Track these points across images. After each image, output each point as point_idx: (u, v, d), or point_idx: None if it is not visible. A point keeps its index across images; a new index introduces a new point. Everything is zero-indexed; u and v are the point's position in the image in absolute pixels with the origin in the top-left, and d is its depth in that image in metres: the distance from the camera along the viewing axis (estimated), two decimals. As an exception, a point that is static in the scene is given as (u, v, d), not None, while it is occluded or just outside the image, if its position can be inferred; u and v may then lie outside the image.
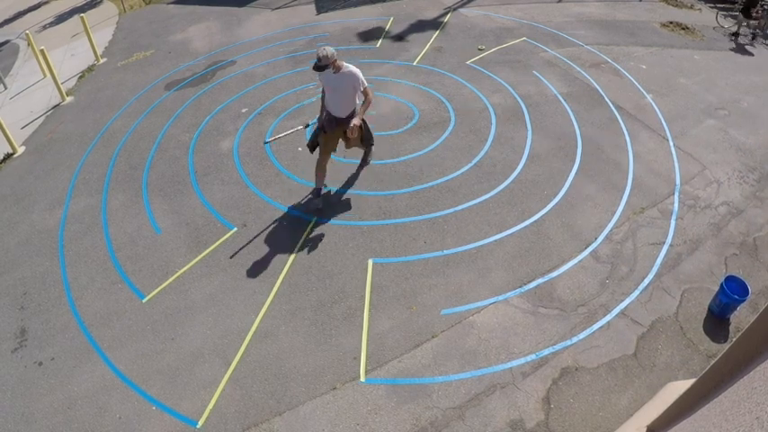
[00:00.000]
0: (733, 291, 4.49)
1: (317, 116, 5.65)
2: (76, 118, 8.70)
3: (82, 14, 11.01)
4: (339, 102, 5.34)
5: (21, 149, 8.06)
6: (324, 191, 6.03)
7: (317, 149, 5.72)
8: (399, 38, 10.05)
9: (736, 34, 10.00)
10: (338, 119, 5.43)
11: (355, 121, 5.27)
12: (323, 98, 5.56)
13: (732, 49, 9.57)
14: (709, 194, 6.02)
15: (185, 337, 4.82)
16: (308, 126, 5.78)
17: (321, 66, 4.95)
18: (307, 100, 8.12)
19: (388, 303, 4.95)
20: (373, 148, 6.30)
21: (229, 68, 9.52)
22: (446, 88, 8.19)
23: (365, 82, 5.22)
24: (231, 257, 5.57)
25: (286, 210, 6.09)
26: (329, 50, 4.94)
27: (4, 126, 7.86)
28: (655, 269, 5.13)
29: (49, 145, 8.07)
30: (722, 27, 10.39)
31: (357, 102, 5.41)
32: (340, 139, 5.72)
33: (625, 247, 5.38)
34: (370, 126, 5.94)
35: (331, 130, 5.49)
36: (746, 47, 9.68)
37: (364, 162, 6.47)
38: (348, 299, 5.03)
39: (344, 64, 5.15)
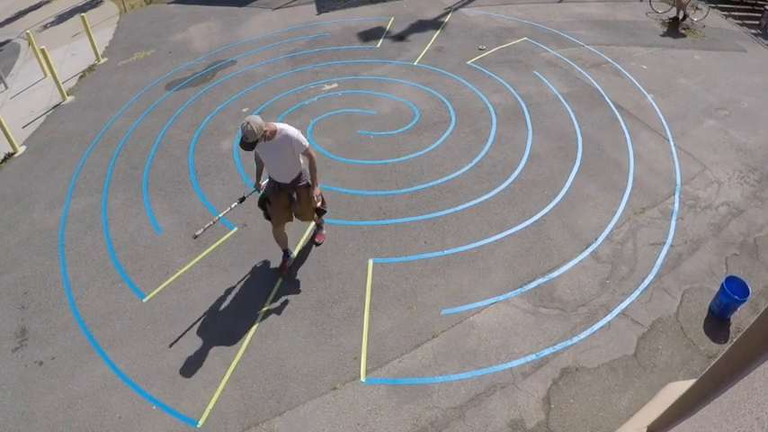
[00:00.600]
0: (733, 291, 4.49)
1: (251, 188, 4.96)
2: (77, 117, 8.70)
3: (82, 14, 11.01)
4: (280, 168, 4.57)
5: (21, 149, 8.07)
6: (291, 254, 5.39)
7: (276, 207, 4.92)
8: (400, 38, 10.05)
9: (675, 19, 10.25)
10: (281, 185, 4.71)
11: (316, 192, 4.69)
12: (257, 163, 4.84)
13: (662, 35, 9.82)
14: (709, 195, 6.02)
15: (186, 337, 4.82)
16: (243, 200, 4.98)
17: (250, 144, 4.13)
18: (307, 100, 8.14)
19: (389, 303, 4.95)
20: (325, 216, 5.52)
21: (230, 68, 9.52)
22: (447, 88, 8.19)
23: (305, 142, 4.44)
24: (231, 257, 5.58)
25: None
26: (256, 124, 4.06)
27: (5, 125, 7.87)
28: (655, 269, 5.13)
29: (49, 144, 8.07)
30: (656, 12, 10.60)
31: (302, 162, 4.64)
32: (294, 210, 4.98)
33: (625, 247, 5.38)
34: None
35: (276, 199, 4.76)
36: (681, 30, 9.95)
37: (319, 228, 5.64)
38: (348, 299, 5.03)
39: (278, 126, 4.31)
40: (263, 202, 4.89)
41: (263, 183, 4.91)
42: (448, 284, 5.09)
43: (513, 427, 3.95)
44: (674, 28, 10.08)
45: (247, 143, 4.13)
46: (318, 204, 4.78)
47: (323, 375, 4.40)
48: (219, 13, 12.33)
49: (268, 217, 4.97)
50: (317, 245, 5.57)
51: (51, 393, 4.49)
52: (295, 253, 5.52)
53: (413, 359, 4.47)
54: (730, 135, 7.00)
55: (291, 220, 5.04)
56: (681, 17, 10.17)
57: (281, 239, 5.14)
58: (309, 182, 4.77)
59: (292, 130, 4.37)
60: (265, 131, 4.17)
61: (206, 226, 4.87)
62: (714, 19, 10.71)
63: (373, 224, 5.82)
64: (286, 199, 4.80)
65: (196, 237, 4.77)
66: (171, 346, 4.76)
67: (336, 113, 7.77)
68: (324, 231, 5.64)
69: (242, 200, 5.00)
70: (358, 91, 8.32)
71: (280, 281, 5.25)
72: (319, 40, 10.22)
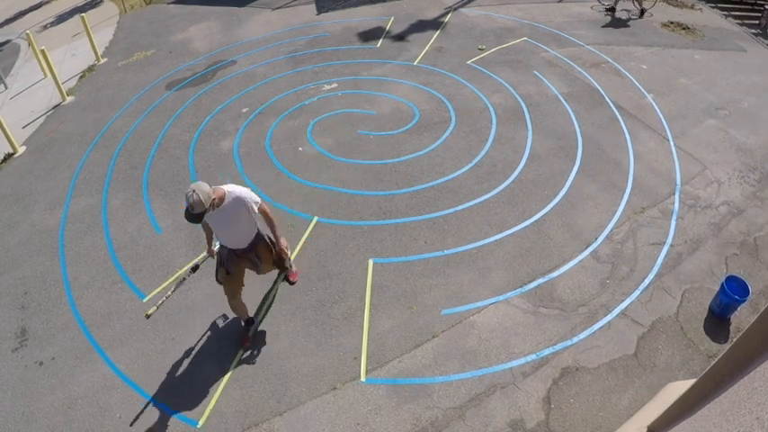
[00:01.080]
0: (733, 291, 4.49)
1: (204, 254, 4.49)
2: (77, 118, 8.70)
3: (82, 14, 11.02)
4: (236, 234, 4.08)
5: (21, 149, 8.07)
6: (256, 321, 4.81)
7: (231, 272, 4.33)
8: (400, 38, 10.05)
9: (612, 9, 10.80)
10: (238, 251, 4.20)
11: (283, 244, 4.30)
12: (205, 230, 4.30)
13: (606, 25, 10.22)
14: (709, 194, 6.02)
15: (186, 337, 4.82)
16: (195, 269, 4.52)
17: (197, 215, 3.56)
18: (307, 100, 8.14)
19: (389, 303, 4.95)
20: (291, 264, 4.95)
21: (230, 68, 9.52)
22: (447, 88, 8.19)
23: (258, 200, 3.97)
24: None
25: (286, 210, 6.10)
26: (203, 193, 3.52)
27: (5, 126, 7.87)
28: (655, 269, 5.13)
29: (49, 144, 8.07)
30: (601, 4, 11.14)
31: (256, 222, 4.16)
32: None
33: (625, 246, 5.38)
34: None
35: (235, 267, 4.25)
36: (628, 22, 10.41)
37: (285, 271, 4.96)
38: (348, 299, 5.03)
39: (225, 190, 3.82)
40: (218, 271, 4.31)
41: (216, 248, 4.39)
42: (448, 284, 5.09)
43: (513, 427, 3.95)
44: (619, 19, 10.55)
45: (195, 215, 3.56)
46: (288, 256, 4.41)
47: (323, 375, 4.40)
48: (219, 13, 12.33)
49: (221, 281, 4.37)
50: (292, 284, 5.09)
51: (51, 394, 4.49)
52: (295, 251, 5.51)
53: (413, 359, 4.47)
54: (730, 135, 7.00)
55: (243, 285, 4.47)
56: (641, 9, 10.65)
57: (241, 310, 4.54)
58: (269, 237, 4.31)
59: (242, 190, 3.90)
60: (213, 199, 3.63)
61: (159, 303, 4.38)
62: (714, 19, 10.72)
63: (373, 224, 5.82)
64: (248, 264, 4.33)
65: (149, 316, 4.27)
66: (171, 346, 4.76)
67: (336, 113, 7.77)
68: (294, 268, 5.04)
69: (195, 269, 4.48)
70: (358, 91, 8.32)
71: (280, 281, 5.25)
72: (319, 40, 10.22)
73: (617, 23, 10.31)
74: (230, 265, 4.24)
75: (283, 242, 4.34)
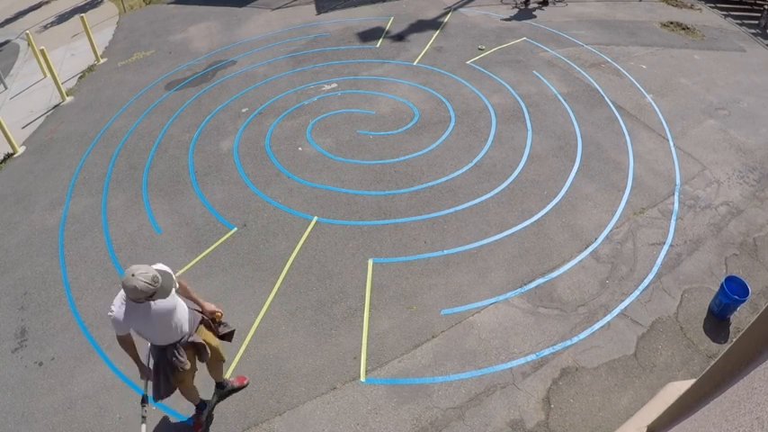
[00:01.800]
0: (733, 291, 4.49)
1: (144, 380, 3.66)
2: (77, 118, 8.70)
3: (82, 14, 11.00)
4: (177, 322, 3.45)
5: (21, 149, 8.06)
6: (209, 406, 4.20)
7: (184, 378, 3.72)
8: (400, 38, 10.05)
9: (526, 2, 11.24)
10: (180, 343, 3.54)
11: (210, 307, 3.74)
12: (128, 348, 3.51)
13: (510, 18, 10.62)
14: (709, 194, 6.02)
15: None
16: (146, 400, 3.62)
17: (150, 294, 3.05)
18: (307, 100, 8.14)
19: (388, 303, 4.95)
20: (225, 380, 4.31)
21: (230, 68, 9.52)
22: (446, 88, 8.20)
23: (175, 280, 3.41)
24: (231, 257, 5.58)
25: (286, 210, 6.10)
26: (146, 274, 2.98)
27: (5, 126, 7.86)
28: (655, 269, 5.13)
29: (49, 145, 8.07)
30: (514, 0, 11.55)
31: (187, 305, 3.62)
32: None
33: (625, 247, 5.38)
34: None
35: (183, 365, 3.54)
36: (535, 12, 10.81)
37: (230, 388, 4.32)
38: (348, 299, 5.03)
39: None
40: (173, 380, 3.65)
41: (151, 362, 3.67)
42: (448, 284, 5.09)
43: (513, 427, 3.95)
44: (528, 10, 10.94)
45: (149, 295, 3.03)
46: (223, 322, 3.87)
47: (323, 375, 4.40)
48: (219, 13, 12.32)
49: (167, 391, 3.66)
50: (241, 388, 4.35)
51: (51, 394, 4.49)
52: (295, 251, 5.51)
53: (413, 359, 4.47)
54: (730, 135, 7.00)
55: (197, 369, 3.83)
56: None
57: (194, 395, 4.01)
58: (199, 312, 3.74)
59: (164, 268, 3.28)
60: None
61: None
62: (713, 19, 10.73)
63: (373, 224, 5.82)
64: (193, 353, 3.69)
65: None
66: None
67: (336, 113, 7.77)
68: (232, 379, 4.38)
69: (144, 401, 3.61)
70: (358, 91, 8.32)
71: (279, 283, 5.25)
72: (319, 39, 10.22)
73: (522, 15, 10.68)
74: (179, 361, 3.54)
75: (210, 305, 3.76)
